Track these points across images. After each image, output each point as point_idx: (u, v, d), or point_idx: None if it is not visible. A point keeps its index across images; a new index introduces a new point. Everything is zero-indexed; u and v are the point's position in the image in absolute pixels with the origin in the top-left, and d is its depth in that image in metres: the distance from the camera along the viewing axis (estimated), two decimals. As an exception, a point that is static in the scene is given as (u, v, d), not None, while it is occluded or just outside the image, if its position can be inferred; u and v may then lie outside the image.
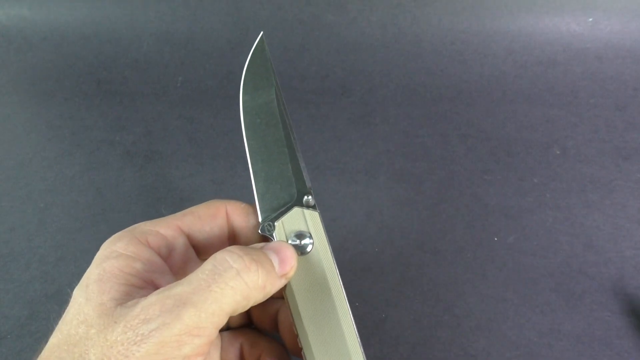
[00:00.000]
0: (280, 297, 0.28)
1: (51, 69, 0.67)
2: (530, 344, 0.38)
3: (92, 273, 0.24)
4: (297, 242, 0.27)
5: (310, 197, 0.28)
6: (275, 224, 0.28)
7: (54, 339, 0.22)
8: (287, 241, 0.27)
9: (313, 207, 0.28)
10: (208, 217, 0.29)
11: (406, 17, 0.66)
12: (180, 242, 0.28)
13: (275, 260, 0.25)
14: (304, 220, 0.28)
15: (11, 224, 0.47)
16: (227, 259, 0.23)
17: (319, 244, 0.27)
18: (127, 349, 0.20)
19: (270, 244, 0.26)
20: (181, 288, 0.22)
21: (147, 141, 0.55)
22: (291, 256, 0.25)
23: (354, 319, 0.26)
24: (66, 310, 0.23)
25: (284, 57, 0.65)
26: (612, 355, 0.37)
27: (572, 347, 0.37)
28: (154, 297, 0.22)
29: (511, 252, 0.43)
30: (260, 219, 0.28)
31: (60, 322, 0.23)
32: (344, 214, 0.47)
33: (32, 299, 0.42)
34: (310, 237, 0.27)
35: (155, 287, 0.24)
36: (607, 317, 0.39)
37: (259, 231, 0.27)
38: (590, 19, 0.65)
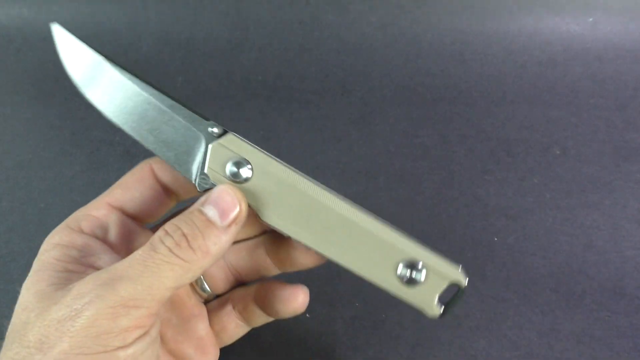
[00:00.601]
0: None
1: (51, 69, 0.67)
2: (530, 344, 0.38)
3: (33, 267, 0.24)
4: (236, 170, 0.25)
5: (213, 128, 0.27)
6: (206, 172, 0.26)
7: (7, 332, 0.23)
8: (227, 174, 0.26)
9: (224, 134, 0.26)
10: (135, 183, 0.29)
11: (406, 17, 0.66)
12: (113, 218, 0.28)
13: (214, 214, 0.24)
14: (226, 149, 0.26)
15: (11, 224, 0.47)
16: (160, 237, 0.23)
17: (255, 157, 0.26)
18: (62, 325, 0.20)
19: (208, 197, 0.25)
20: (117, 264, 0.22)
21: (147, 141, 0.55)
22: (232, 201, 0.24)
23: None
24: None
25: (284, 57, 0.65)
26: (612, 355, 0.37)
27: (572, 347, 0.37)
28: (89, 276, 0.22)
29: (511, 252, 0.43)
30: (192, 181, 0.26)
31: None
32: (344, 214, 0.47)
33: (32, 299, 0.42)
34: (244, 159, 0.26)
35: (95, 269, 0.24)
36: (607, 317, 0.39)
37: (199, 191, 0.26)
38: (590, 19, 0.65)
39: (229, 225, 0.24)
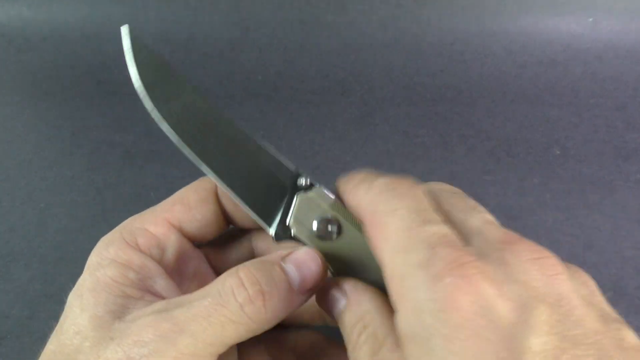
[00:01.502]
0: None
1: (51, 69, 0.67)
2: (530, 344, 0.37)
3: (86, 281, 0.23)
4: (323, 227, 0.23)
5: (303, 178, 0.25)
6: (289, 224, 0.24)
7: (50, 345, 0.22)
8: (312, 230, 0.23)
9: (313, 186, 0.25)
10: (198, 204, 0.26)
11: (406, 17, 0.66)
12: (172, 239, 0.26)
13: (295, 277, 0.22)
14: (314, 203, 0.24)
15: (11, 224, 0.47)
16: (233, 288, 0.21)
17: (345, 216, 0.24)
18: None
19: (293, 255, 0.23)
20: (180, 312, 0.21)
21: (147, 141, 0.55)
22: (316, 271, 0.22)
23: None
24: (62, 317, 0.23)
25: (284, 57, 0.65)
26: (612, 355, 0.37)
27: (572, 347, 0.37)
28: (150, 317, 0.21)
29: (511, 252, 0.43)
30: (270, 232, 0.24)
31: (57, 328, 0.23)
32: (344, 214, 0.47)
33: (32, 299, 0.41)
34: (334, 218, 0.23)
35: (152, 294, 0.23)
36: (607, 317, 0.39)
37: (275, 241, 0.24)
38: (590, 19, 0.65)
39: (303, 294, 0.22)
